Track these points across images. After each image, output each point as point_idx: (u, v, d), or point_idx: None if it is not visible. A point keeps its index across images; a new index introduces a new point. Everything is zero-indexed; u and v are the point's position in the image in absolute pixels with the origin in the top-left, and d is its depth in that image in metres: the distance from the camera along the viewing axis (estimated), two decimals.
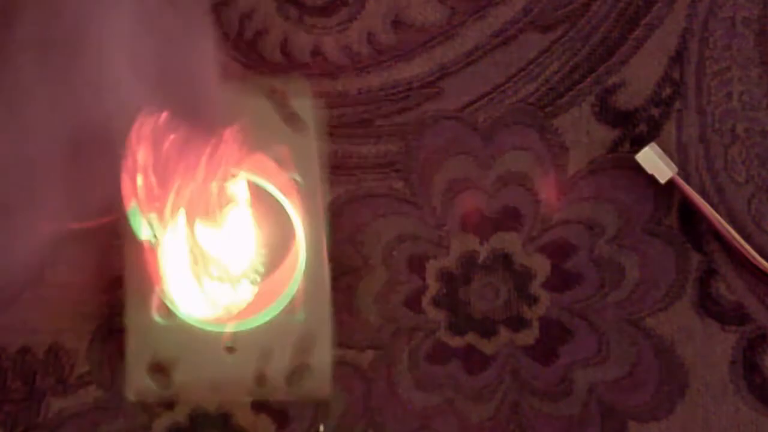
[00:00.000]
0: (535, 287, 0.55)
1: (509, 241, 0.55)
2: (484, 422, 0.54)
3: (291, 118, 0.48)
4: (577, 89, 0.56)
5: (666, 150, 0.55)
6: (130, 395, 0.47)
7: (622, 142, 0.56)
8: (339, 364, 0.53)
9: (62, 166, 0.35)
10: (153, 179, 0.42)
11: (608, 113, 0.56)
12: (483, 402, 0.54)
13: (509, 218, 0.55)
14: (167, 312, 0.47)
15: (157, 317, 0.47)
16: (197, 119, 0.40)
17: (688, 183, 0.55)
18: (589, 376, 0.54)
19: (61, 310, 0.53)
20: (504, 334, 0.54)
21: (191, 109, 0.39)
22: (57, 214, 0.36)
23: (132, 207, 0.46)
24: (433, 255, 0.54)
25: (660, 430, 0.54)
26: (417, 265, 0.54)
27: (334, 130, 0.54)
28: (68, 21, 0.33)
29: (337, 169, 0.52)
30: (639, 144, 0.55)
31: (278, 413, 0.53)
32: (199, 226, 0.45)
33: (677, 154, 0.56)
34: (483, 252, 0.55)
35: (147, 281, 0.47)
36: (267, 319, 0.48)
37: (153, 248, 0.44)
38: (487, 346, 0.54)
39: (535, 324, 0.54)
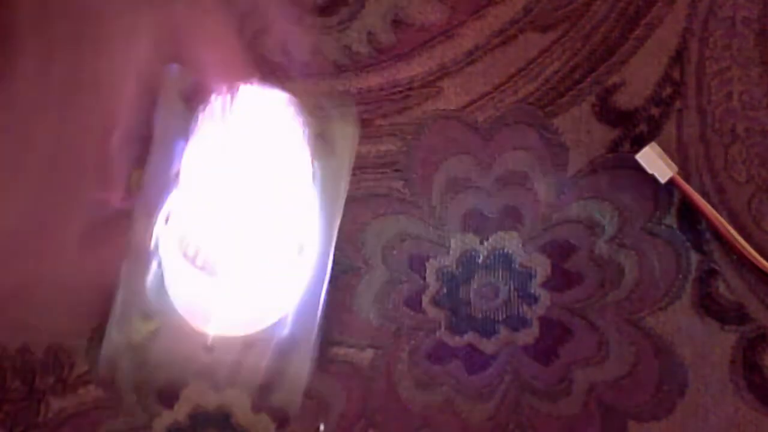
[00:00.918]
0: (535, 287, 0.55)
1: (509, 240, 0.55)
2: (484, 422, 0.54)
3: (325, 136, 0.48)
4: (578, 89, 0.56)
5: (666, 150, 0.55)
6: (103, 359, 0.46)
7: (623, 142, 0.56)
8: (339, 363, 0.53)
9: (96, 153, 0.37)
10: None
11: (608, 113, 0.56)
12: (483, 401, 0.54)
13: (509, 218, 0.55)
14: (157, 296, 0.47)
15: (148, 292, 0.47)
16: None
17: (688, 182, 0.55)
18: (589, 375, 0.54)
19: (60, 309, 0.52)
20: (504, 333, 0.54)
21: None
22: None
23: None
24: (434, 254, 0.54)
25: (660, 429, 0.54)
26: (417, 264, 0.54)
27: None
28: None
29: None
30: (639, 143, 0.55)
31: (278, 413, 0.53)
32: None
33: (677, 154, 0.56)
34: (483, 251, 0.55)
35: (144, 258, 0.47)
36: (255, 327, 0.47)
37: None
38: (487, 346, 0.54)
39: (535, 323, 0.54)
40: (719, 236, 0.55)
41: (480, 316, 0.54)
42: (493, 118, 0.55)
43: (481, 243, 0.55)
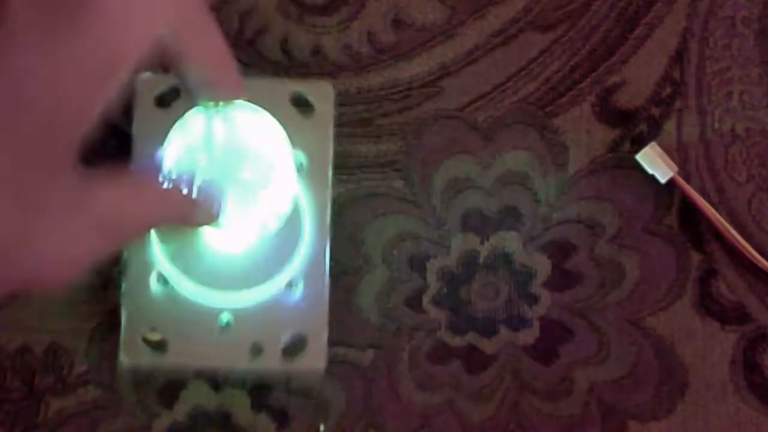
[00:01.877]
0: (536, 287, 0.55)
1: (510, 240, 0.55)
2: (484, 422, 0.54)
3: (307, 110, 0.49)
4: (578, 89, 0.56)
5: (666, 149, 0.55)
6: (124, 359, 0.47)
7: (623, 142, 0.56)
8: (339, 363, 0.53)
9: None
10: None
11: (608, 113, 0.56)
12: (483, 401, 0.54)
13: (510, 217, 0.55)
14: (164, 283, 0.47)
15: (154, 287, 0.47)
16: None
17: (689, 182, 0.55)
18: (589, 375, 0.54)
19: (60, 308, 0.52)
20: (504, 333, 0.54)
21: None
22: None
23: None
24: (434, 254, 0.54)
25: (660, 429, 0.54)
26: (417, 264, 0.54)
27: (334, 129, 0.54)
28: None
29: (337, 168, 0.51)
30: (639, 143, 0.55)
31: (278, 412, 0.53)
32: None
33: (677, 154, 0.56)
34: (483, 251, 0.55)
35: (147, 253, 0.47)
36: (266, 291, 0.48)
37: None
38: (487, 346, 0.54)
39: (536, 323, 0.54)
40: (719, 236, 0.55)
41: (480, 316, 0.54)
42: (493, 117, 0.55)
43: (482, 243, 0.55)
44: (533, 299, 0.54)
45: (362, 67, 0.55)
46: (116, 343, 0.52)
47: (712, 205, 0.55)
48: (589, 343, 0.54)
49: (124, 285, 0.47)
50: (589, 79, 0.56)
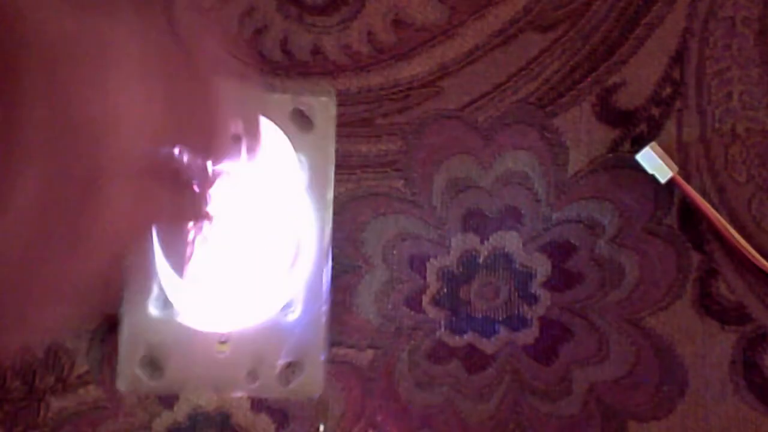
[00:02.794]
0: (536, 287, 0.55)
1: (510, 240, 0.55)
2: (484, 422, 0.54)
3: (306, 119, 0.49)
4: (578, 89, 0.56)
5: (666, 149, 0.55)
6: (121, 386, 0.47)
7: (623, 142, 0.56)
8: (339, 363, 0.53)
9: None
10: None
11: (609, 113, 0.56)
12: (483, 401, 0.54)
13: (510, 217, 0.55)
14: (163, 305, 0.47)
15: (152, 310, 0.47)
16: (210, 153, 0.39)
17: (689, 182, 0.55)
18: (589, 375, 0.54)
19: (60, 309, 0.52)
20: (504, 333, 0.54)
21: (203, 145, 0.38)
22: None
23: None
24: (434, 254, 0.54)
25: (660, 429, 0.54)
26: (417, 264, 0.54)
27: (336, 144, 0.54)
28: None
29: (337, 167, 0.51)
30: (639, 143, 0.55)
31: (278, 413, 0.53)
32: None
33: (677, 154, 0.55)
34: (483, 251, 0.55)
35: (146, 273, 0.47)
36: (263, 316, 0.47)
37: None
38: (487, 346, 0.54)
39: (536, 323, 0.54)
40: (719, 236, 0.55)
41: (480, 316, 0.54)
42: (493, 117, 0.55)
43: (482, 243, 0.55)
44: (533, 299, 0.54)
45: (362, 66, 0.55)
46: (116, 343, 0.52)
47: (713, 205, 0.55)
48: (589, 343, 0.54)
49: (121, 309, 0.47)
50: (589, 79, 0.56)
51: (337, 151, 0.51)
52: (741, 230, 0.55)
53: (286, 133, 0.48)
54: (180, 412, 0.52)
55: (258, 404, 0.53)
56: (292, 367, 0.48)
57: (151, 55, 0.33)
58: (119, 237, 0.32)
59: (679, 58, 0.56)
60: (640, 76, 0.56)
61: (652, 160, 0.54)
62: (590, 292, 0.55)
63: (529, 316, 0.54)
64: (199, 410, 0.53)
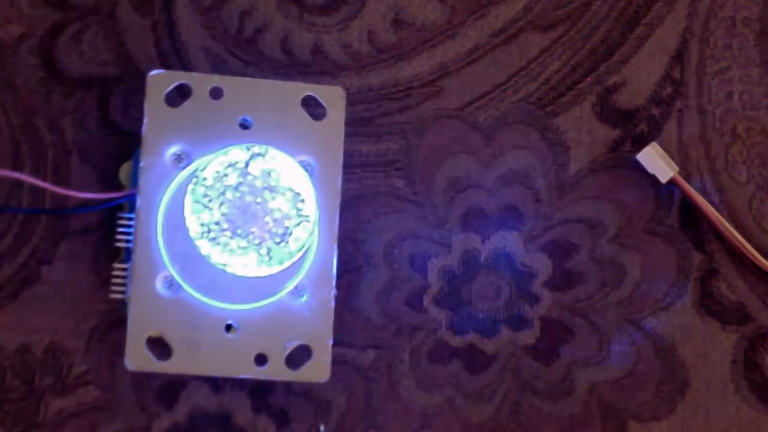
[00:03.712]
0: (537, 286, 0.54)
1: (510, 240, 0.55)
2: (484, 422, 0.54)
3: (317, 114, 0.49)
4: (578, 88, 0.56)
5: (667, 149, 0.55)
6: (130, 365, 0.46)
7: (623, 142, 0.56)
8: (340, 363, 0.53)
9: None
10: None
11: (609, 112, 0.56)
12: (484, 401, 0.54)
13: (510, 217, 0.55)
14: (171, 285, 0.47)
15: (160, 291, 0.47)
16: None
17: (689, 182, 0.55)
18: (589, 375, 0.54)
19: (59, 308, 0.52)
20: (505, 333, 0.54)
21: None
22: None
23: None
24: (435, 254, 0.54)
25: (660, 429, 0.54)
26: (419, 263, 0.54)
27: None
28: None
29: None
30: (640, 143, 0.55)
31: (278, 413, 0.53)
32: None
33: (678, 154, 0.56)
34: (484, 251, 0.55)
35: (154, 253, 0.47)
36: (272, 299, 0.47)
37: None
38: (488, 346, 0.54)
39: (536, 323, 0.54)
40: (720, 236, 0.55)
41: (481, 315, 0.54)
42: (493, 117, 0.55)
43: (483, 242, 0.55)
44: (534, 299, 0.54)
45: (362, 66, 0.55)
46: (116, 343, 0.52)
47: (713, 205, 0.55)
48: (589, 343, 0.54)
49: (129, 289, 0.47)
50: (589, 79, 0.56)
51: None
52: (741, 230, 0.55)
53: (298, 119, 0.48)
54: (180, 412, 0.52)
55: (258, 404, 0.53)
56: (300, 351, 0.48)
57: None
58: None
59: (679, 57, 0.56)
60: (640, 76, 0.56)
61: (652, 160, 0.54)
62: (591, 292, 0.55)
63: (530, 316, 0.54)
64: (199, 410, 0.52)
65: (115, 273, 0.49)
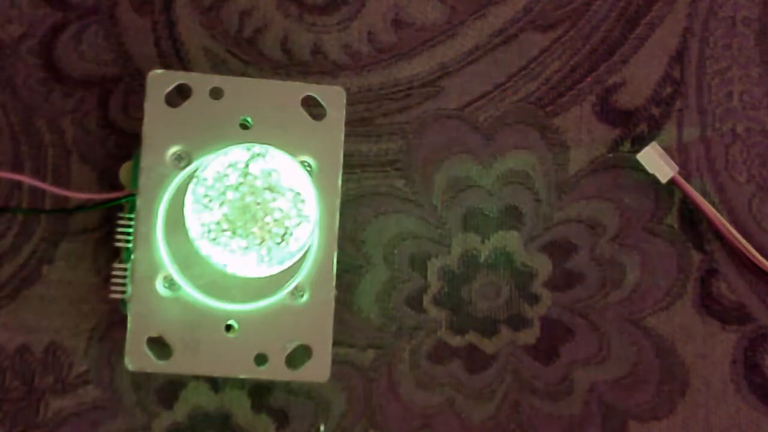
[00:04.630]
0: (537, 286, 0.54)
1: (510, 240, 0.55)
2: (484, 422, 0.54)
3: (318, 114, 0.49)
4: (578, 88, 0.56)
5: (667, 149, 0.55)
6: (130, 365, 0.46)
7: (623, 142, 0.56)
8: (340, 363, 0.53)
9: None
10: None
11: (609, 112, 0.56)
12: (484, 401, 0.54)
13: (510, 217, 0.55)
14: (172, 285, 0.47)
15: (161, 290, 0.47)
16: None
17: (689, 182, 0.55)
18: (589, 375, 0.54)
19: (59, 308, 0.52)
20: (505, 333, 0.54)
21: None
22: None
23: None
24: (435, 253, 0.54)
25: (661, 429, 0.54)
26: (418, 263, 0.54)
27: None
28: None
29: None
30: (640, 143, 0.55)
31: (278, 413, 0.53)
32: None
33: (678, 154, 0.56)
34: (484, 251, 0.55)
35: (155, 253, 0.47)
36: (272, 299, 0.47)
37: None
38: (488, 346, 0.54)
39: (536, 323, 0.54)
40: (720, 236, 0.55)
41: (481, 315, 0.54)
42: (493, 117, 0.55)
43: (483, 242, 0.55)
44: (534, 299, 0.54)
45: (362, 66, 0.55)
46: (116, 342, 0.52)
47: (713, 204, 0.55)
48: (589, 343, 0.54)
49: (129, 289, 0.47)
50: (589, 79, 0.56)
51: None
52: (741, 230, 0.55)
53: (298, 119, 0.48)
54: (180, 412, 0.52)
55: (258, 404, 0.53)
56: (300, 351, 0.48)
57: None
58: None
59: (679, 57, 0.56)
60: (640, 76, 0.56)
61: (652, 160, 0.54)
62: (591, 292, 0.55)
63: (530, 316, 0.54)
64: (199, 410, 0.52)
65: (115, 273, 0.48)
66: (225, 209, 0.46)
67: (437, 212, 0.55)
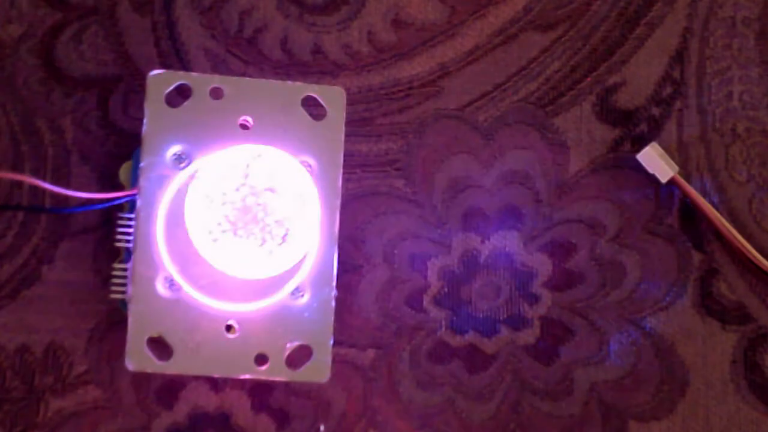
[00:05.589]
0: (536, 286, 0.54)
1: (510, 240, 0.55)
2: (484, 421, 0.54)
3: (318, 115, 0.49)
4: (578, 88, 0.56)
5: (667, 149, 0.55)
6: (130, 365, 0.46)
7: (623, 142, 0.56)
8: (340, 363, 0.53)
9: None
10: None
11: (609, 112, 0.56)
12: (484, 401, 0.54)
13: (510, 217, 0.55)
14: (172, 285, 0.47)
15: (161, 291, 0.47)
16: None
17: (689, 182, 0.55)
18: (589, 375, 0.54)
19: (59, 308, 0.52)
20: (505, 333, 0.54)
21: None
22: None
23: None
24: (435, 254, 0.54)
25: (660, 429, 0.54)
26: (418, 263, 0.54)
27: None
28: None
29: None
30: (640, 143, 0.55)
31: (278, 413, 0.53)
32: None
33: (678, 154, 0.56)
34: (484, 251, 0.55)
35: (155, 253, 0.47)
36: (272, 299, 0.47)
37: None
38: (488, 346, 0.54)
39: (536, 323, 0.54)
40: (720, 236, 0.55)
41: (481, 315, 0.54)
42: (493, 117, 0.55)
43: (483, 242, 0.55)
44: (534, 299, 0.54)
45: (362, 66, 0.55)
46: (116, 342, 0.52)
47: (713, 205, 0.55)
48: (589, 343, 0.54)
49: (129, 289, 0.47)
50: (589, 79, 0.56)
51: None
52: (741, 230, 0.55)
53: (298, 119, 0.48)
54: (180, 412, 0.52)
55: (258, 404, 0.53)
56: (300, 351, 0.48)
57: None
58: None
59: (679, 57, 0.56)
60: (640, 76, 0.56)
61: (652, 160, 0.54)
62: (591, 292, 0.55)
63: (529, 316, 0.54)
64: (199, 410, 0.52)
65: (115, 273, 0.48)
66: (225, 210, 0.46)
67: (437, 212, 0.55)
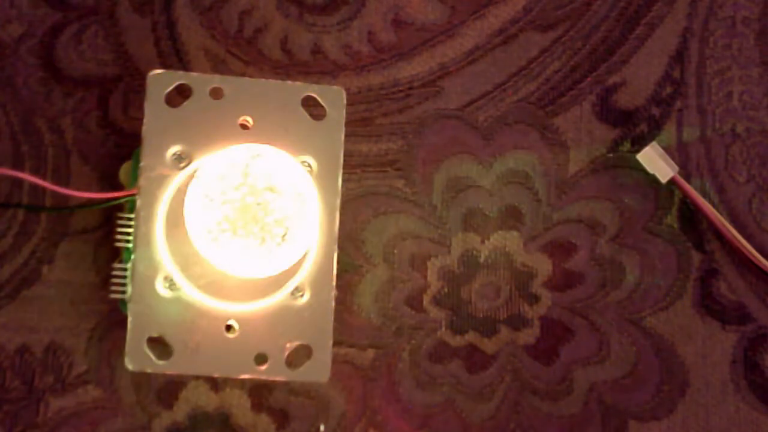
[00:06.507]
0: (536, 286, 0.54)
1: (510, 240, 0.55)
2: (484, 421, 0.54)
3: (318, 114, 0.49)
4: (578, 88, 0.56)
5: (667, 149, 0.55)
6: (130, 365, 0.46)
7: (623, 142, 0.56)
8: (340, 363, 0.53)
9: None
10: None
11: (609, 112, 0.56)
12: (484, 401, 0.54)
13: (510, 217, 0.55)
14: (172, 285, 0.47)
15: (161, 291, 0.47)
16: None
17: (689, 182, 0.55)
18: (589, 375, 0.54)
19: (59, 308, 0.52)
20: (505, 333, 0.54)
21: None
22: None
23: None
24: (435, 254, 0.54)
25: (660, 429, 0.54)
26: (418, 263, 0.54)
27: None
28: None
29: None
30: (640, 143, 0.55)
31: (278, 413, 0.53)
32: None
33: (678, 154, 0.56)
34: (484, 251, 0.55)
35: (155, 253, 0.47)
36: (272, 299, 0.47)
37: None
38: (488, 346, 0.54)
39: (536, 323, 0.54)
40: (720, 236, 0.55)
41: (481, 315, 0.54)
42: (493, 117, 0.55)
43: (482, 242, 0.55)
44: (534, 299, 0.54)
45: (362, 66, 0.55)
46: (116, 342, 0.52)
47: (713, 205, 0.55)
48: (589, 343, 0.54)
49: (129, 289, 0.47)
50: (589, 79, 0.56)
51: None
52: (741, 230, 0.55)
53: (298, 119, 0.48)
54: (180, 412, 0.52)
55: (258, 404, 0.53)
56: (300, 351, 0.48)
57: None
58: None
59: (679, 57, 0.56)
60: (640, 76, 0.56)
61: (652, 160, 0.54)
62: (591, 292, 0.55)
63: (529, 316, 0.54)
64: (199, 410, 0.52)
65: (115, 273, 0.48)
66: (225, 209, 0.46)
67: (437, 212, 0.55)
